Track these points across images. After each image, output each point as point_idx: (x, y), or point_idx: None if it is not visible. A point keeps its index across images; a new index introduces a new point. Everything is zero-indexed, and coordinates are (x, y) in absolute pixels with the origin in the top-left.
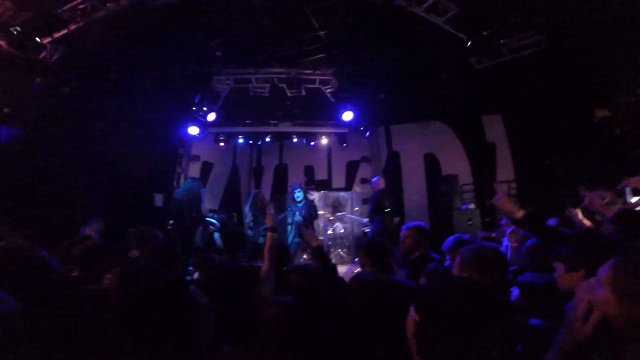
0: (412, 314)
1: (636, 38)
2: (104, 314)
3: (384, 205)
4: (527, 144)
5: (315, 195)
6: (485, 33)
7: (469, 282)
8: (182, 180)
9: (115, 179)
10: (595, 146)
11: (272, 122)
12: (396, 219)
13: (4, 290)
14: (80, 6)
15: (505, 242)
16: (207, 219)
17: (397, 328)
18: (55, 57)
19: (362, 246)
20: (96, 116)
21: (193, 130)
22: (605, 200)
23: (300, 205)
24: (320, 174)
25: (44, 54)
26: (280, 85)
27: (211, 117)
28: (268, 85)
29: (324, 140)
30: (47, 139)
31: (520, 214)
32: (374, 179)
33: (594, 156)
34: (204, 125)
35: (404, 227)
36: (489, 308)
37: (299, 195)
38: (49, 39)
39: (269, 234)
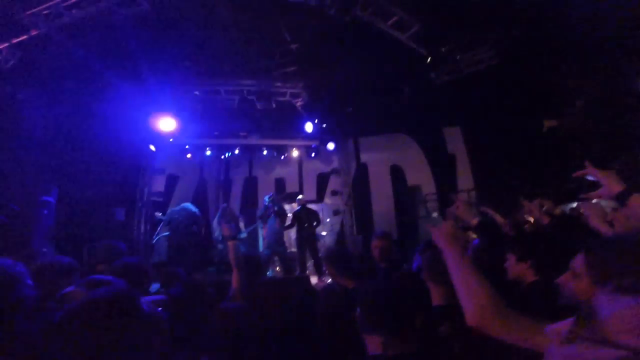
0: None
1: (579, 52)
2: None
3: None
4: (484, 154)
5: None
6: (443, 49)
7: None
8: (145, 193)
9: (73, 192)
10: (544, 154)
11: (241, 134)
12: None
13: None
14: (45, 12)
15: None
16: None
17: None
18: (11, 63)
19: (324, 257)
20: (51, 126)
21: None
22: (544, 208)
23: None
24: (291, 187)
25: None
26: (250, 97)
27: (170, 125)
28: (237, 97)
29: (295, 153)
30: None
31: (474, 221)
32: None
33: (544, 164)
34: (166, 139)
35: (373, 236)
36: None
37: (265, 200)
38: (5, 44)
39: (229, 243)
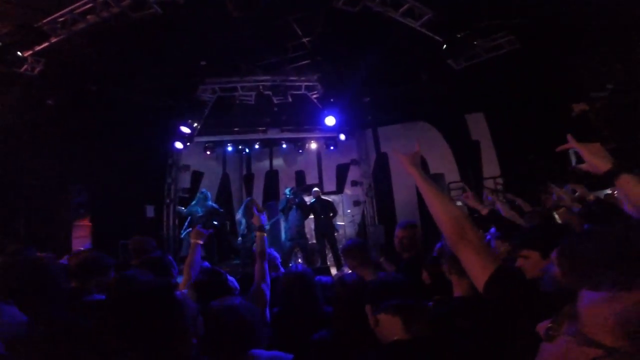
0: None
1: (604, 35)
2: (99, 324)
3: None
4: (510, 140)
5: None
6: (459, 35)
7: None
8: (172, 190)
9: (105, 191)
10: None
11: (260, 129)
12: None
13: (12, 301)
14: (61, 19)
15: (488, 236)
16: None
17: None
18: (37, 70)
19: (343, 250)
20: (81, 129)
21: (178, 145)
22: (577, 194)
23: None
24: (312, 179)
25: (25, 67)
26: (266, 92)
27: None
28: (254, 93)
29: (313, 145)
30: (32, 153)
31: (485, 211)
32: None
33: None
34: (189, 137)
35: (397, 226)
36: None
37: (286, 192)
38: (30, 52)
39: (257, 233)
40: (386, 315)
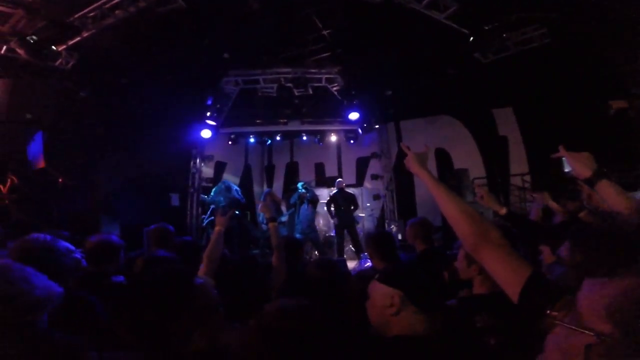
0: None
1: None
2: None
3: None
4: (540, 136)
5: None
6: (487, 28)
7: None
8: (197, 179)
9: (133, 180)
10: (611, 138)
11: (281, 121)
12: None
13: None
14: (90, 14)
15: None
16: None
17: None
18: (71, 64)
19: (368, 240)
20: (112, 119)
21: (206, 133)
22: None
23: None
24: (331, 171)
25: (60, 60)
26: (287, 84)
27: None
28: (275, 85)
29: (334, 138)
30: (67, 143)
31: (503, 211)
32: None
33: (609, 148)
34: (214, 126)
35: (407, 223)
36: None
37: (299, 187)
38: (63, 46)
39: (269, 224)
40: (415, 308)
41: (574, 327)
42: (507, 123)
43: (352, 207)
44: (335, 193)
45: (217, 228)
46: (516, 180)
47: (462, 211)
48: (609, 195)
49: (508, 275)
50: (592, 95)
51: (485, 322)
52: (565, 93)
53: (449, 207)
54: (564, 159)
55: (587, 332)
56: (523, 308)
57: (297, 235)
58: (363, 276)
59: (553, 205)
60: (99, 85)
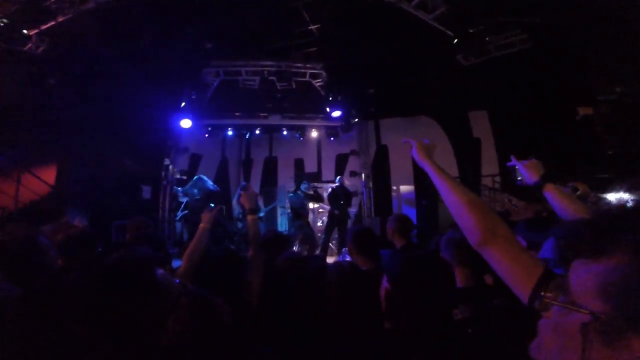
0: (385, 283)
1: (616, 38)
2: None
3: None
4: (511, 139)
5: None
6: (471, 31)
7: (427, 255)
8: (170, 172)
9: (102, 171)
10: (578, 142)
11: (262, 114)
12: None
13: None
14: None
15: None
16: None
17: (373, 312)
18: (41, 49)
19: (349, 235)
20: (82, 108)
21: (186, 123)
22: (578, 193)
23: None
24: (310, 167)
25: (29, 45)
26: (271, 78)
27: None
28: (258, 77)
29: (314, 133)
30: (32, 130)
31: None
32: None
33: (577, 152)
34: (191, 118)
35: (388, 219)
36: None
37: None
38: (35, 31)
39: (249, 216)
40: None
41: (570, 307)
42: (480, 125)
43: (349, 204)
44: (337, 187)
45: (202, 225)
46: (487, 181)
47: (469, 202)
48: (555, 199)
49: (518, 274)
50: (561, 102)
51: (464, 315)
52: (537, 98)
53: (455, 199)
54: (517, 167)
55: (582, 310)
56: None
57: (291, 230)
58: (340, 268)
59: (522, 205)
60: (71, 73)
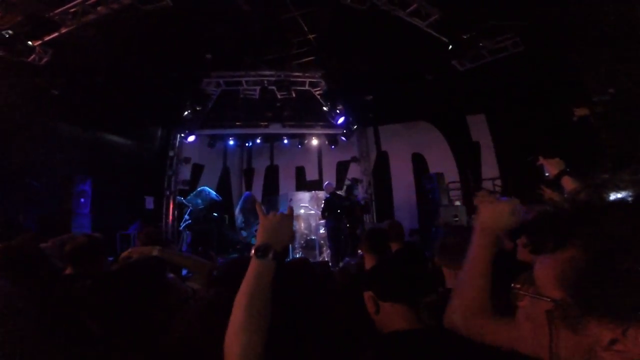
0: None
1: (606, 38)
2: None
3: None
4: (510, 142)
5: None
6: (465, 36)
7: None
8: (173, 182)
9: (105, 182)
10: (575, 143)
11: (262, 123)
12: None
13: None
14: (72, 9)
15: None
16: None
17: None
18: (44, 60)
19: (363, 235)
20: (85, 119)
21: (190, 138)
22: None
23: None
24: (311, 175)
25: (33, 56)
26: (270, 87)
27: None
28: (258, 87)
29: (315, 141)
30: (35, 141)
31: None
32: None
33: (574, 153)
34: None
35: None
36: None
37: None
38: (39, 42)
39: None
40: (390, 304)
41: (536, 296)
42: (479, 129)
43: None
44: (329, 198)
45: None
46: (488, 184)
47: (478, 288)
48: (570, 188)
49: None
50: (558, 103)
51: None
52: (533, 101)
53: (472, 277)
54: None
55: (545, 299)
56: None
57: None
58: (346, 271)
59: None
60: (74, 84)
